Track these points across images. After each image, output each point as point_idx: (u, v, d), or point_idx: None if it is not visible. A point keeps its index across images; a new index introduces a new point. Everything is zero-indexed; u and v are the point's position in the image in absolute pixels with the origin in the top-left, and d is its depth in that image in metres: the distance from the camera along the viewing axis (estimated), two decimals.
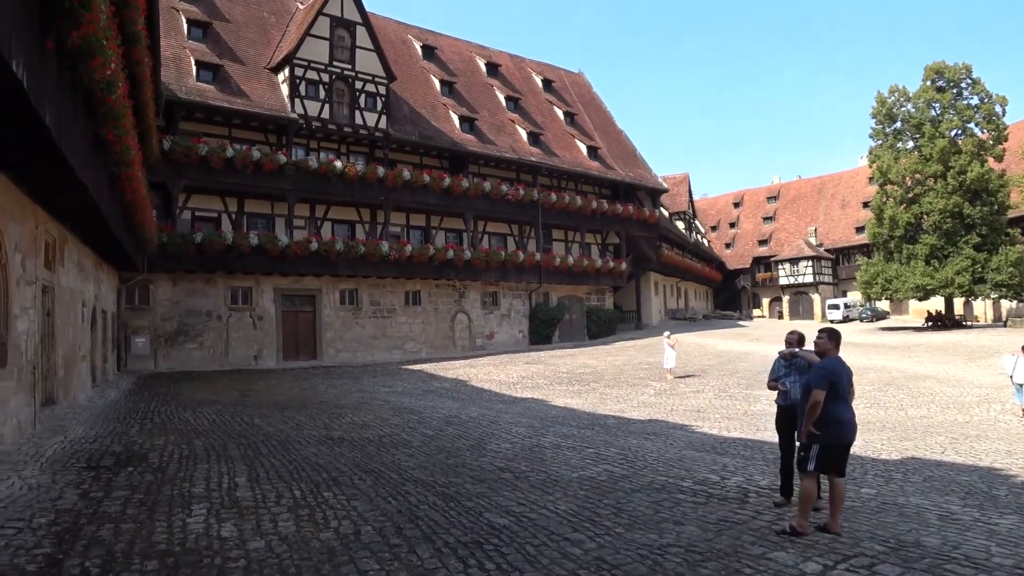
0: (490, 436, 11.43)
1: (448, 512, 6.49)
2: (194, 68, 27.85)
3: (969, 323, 49.77)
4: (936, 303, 50.25)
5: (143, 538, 5.57)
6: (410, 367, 27.27)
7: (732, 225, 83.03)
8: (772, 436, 12.26)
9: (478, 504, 6.82)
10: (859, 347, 33.65)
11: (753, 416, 14.94)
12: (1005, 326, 46.90)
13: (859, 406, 16.37)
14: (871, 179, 70.99)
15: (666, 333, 23.85)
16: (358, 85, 30.83)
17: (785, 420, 7.45)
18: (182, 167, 25.93)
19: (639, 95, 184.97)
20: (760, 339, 40.00)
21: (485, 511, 6.57)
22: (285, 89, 29.53)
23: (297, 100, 29.20)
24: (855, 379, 6.85)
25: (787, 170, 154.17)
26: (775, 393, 7.67)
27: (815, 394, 6.15)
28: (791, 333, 7.86)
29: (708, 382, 21.78)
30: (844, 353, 6.27)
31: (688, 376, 23.11)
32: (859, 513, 6.93)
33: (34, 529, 5.69)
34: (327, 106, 29.96)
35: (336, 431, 11.62)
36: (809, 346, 7.13)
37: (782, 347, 7.78)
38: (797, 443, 6.58)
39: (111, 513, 6.24)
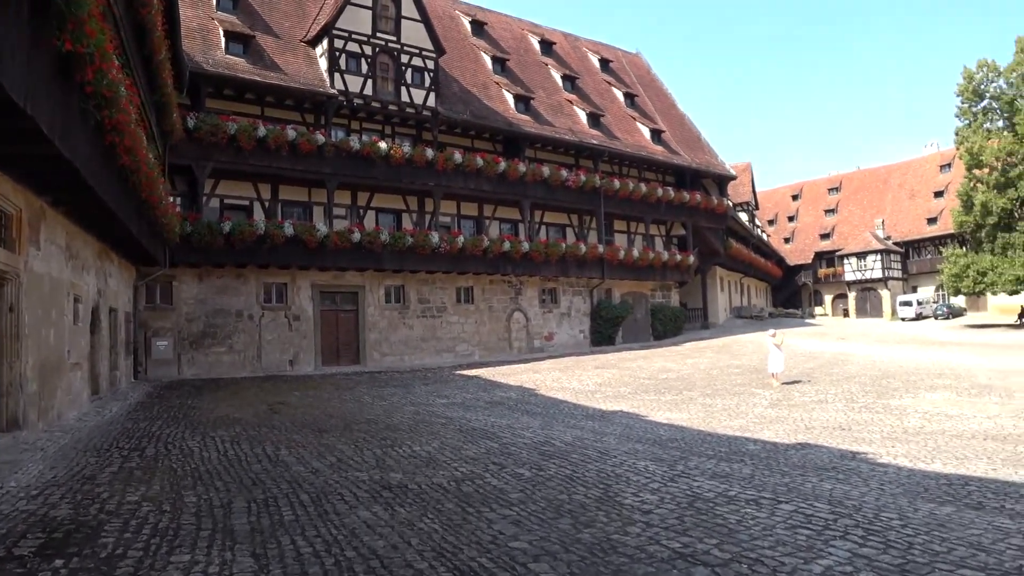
0: (612, 477, 8.10)
1: None
2: (223, 40, 24.97)
3: None
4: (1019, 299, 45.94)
5: None
6: (464, 372, 24.02)
7: (791, 219, 78.77)
8: (1004, 471, 8.93)
9: None
10: (963, 347, 29.68)
11: (926, 437, 11.42)
12: None
13: None
14: (943, 166, 67.42)
15: (771, 332, 20.33)
16: (404, 59, 27.69)
17: None
18: (209, 148, 23.02)
19: (690, 82, 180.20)
20: (846, 338, 36.09)
21: None
22: (323, 63, 26.51)
23: (337, 75, 26.13)
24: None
25: (846, 161, 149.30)
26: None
27: None
28: None
29: (824, 389, 18.20)
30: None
31: (795, 382, 19.55)
32: None
33: None
34: (370, 81, 26.84)
35: (393, 471, 8.34)
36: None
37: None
38: None
39: None
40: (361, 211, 27.56)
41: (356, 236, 24.91)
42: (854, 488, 7.70)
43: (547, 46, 39.41)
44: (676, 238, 40.13)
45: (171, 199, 22.43)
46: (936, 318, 57.07)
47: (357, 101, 26.59)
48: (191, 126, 22.36)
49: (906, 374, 20.89)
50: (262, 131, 23.63)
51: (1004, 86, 44.44)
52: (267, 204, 25.55)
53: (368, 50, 26.93)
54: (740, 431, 12.51)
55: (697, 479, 8.04)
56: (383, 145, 26.19)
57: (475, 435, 11.42)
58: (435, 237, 26.70)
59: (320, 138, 24.79)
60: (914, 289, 65.64)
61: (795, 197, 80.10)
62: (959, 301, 59.09)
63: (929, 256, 65.39)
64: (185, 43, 22.93)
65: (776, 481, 8.02)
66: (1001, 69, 44.51)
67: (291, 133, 24.14)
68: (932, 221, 65.32)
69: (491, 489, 7.46)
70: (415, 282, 28.03)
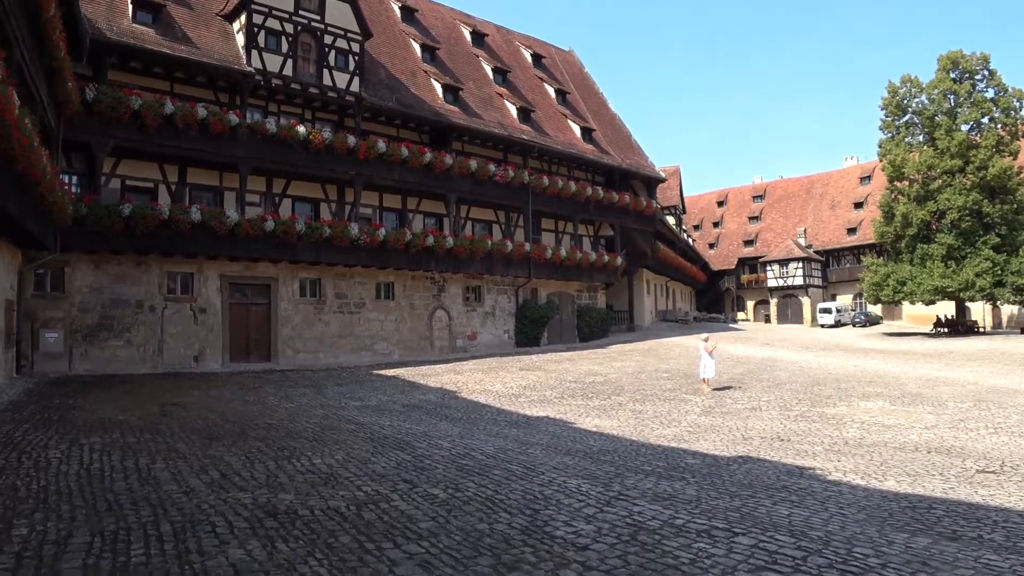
0: (541, 500, 7.08)
1: None
2: (130, 7, 23.13)
3: (983, 329, 46.43)
4: (938, 309, 46.99)
5: None
6: (383, 372, 22.75)
7: (716, 224, 79.59)
8: (963, 490, 8.29)
9: None
10: (885, 355, 29.78)
11: (869, 450, 10.78)
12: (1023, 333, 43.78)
13: (979, 432, 12.56)
14: (863, 179, 68.90)
15: (703, 336, 19.62)
16: (327, 40, 26.20)
17: None
18: (110, 124, 21.16)
19: (620, 84, 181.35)
20: (771, 344, 36.01)
21: None
22: (240, 39, 24.85)
23: (255, 52, 24.50)
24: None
25: (768, 170, 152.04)
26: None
27: None
28: None
29: (756, 396, 17.62)
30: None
31: (726, 388, 18.94)
32: None
33: None
34: (290, 62, 25.27)
35: (285, 491, 7.14)
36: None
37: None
38: None
39: None
40: (276, 199, 25.94)
41: (270, 225, 23.36)
42: (813, 514, 6.86)
43: (479, 38, 38.30)
44: (604, 239, 39.52)
45: (64, 177, 20.65)
46: (854, 325, 58.23)
47: (276, 82, 25.00)
48: (89, 98, 20.48)
49: (836, 381, 20.54)
50: (169, 108, 21.88)
51: (926, 102, 45.38)
52: (174, 188, 23.75)
53: (289, 28, 25.34)
54: (676, 441, 11.69)
55: (637, 502, 7.08)
56: (302, 129, 24.67)
57: (386, 445, 10.28)
58: (355, 229, 25.32)
59: (234, 119, 23.15)
60: (833, 297, 66.87)
61: (720, 203, 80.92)
62: (876, 309, 60.36)
63: (848, 265, 66.79)
64: (87, 8, 21.15)
65: (726, 505, 7.12)
66: (923, 85, 45.44)
67: (201, 112, 22.45)
68: (852, 231, 66.68)
69: (398, 516, 6.34)
70: (332, 276, 26.56)
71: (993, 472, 9.39)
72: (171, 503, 6.46)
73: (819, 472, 9.20)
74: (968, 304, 44.44)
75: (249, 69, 24.14)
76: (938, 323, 46.24)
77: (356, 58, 26.84)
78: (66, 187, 19.07)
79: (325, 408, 14.60)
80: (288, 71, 25.20)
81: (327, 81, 26.07)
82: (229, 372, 22.11)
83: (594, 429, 13.03)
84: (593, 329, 36.78)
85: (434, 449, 10.07)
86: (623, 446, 11.19)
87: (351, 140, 25.72)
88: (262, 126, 23.77)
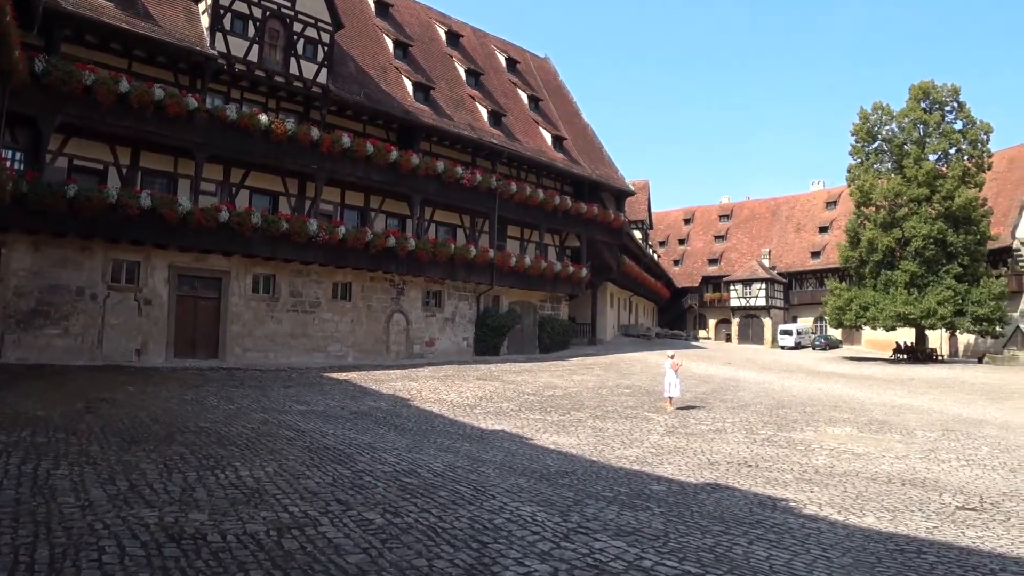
0: (490, 529, 6.35)
1: None
2: None
3: (941, 357, 46.68)
4: (898, 335, 47.18)
5: None
6: (335, 375, 21.83)
7: (682, 242, 79.55)
8: (948, 530, 7.72)
9: None
10: (847, 379, 29.56)
11: (842, 480, 10.24)
12: (981, 362, 44.06)
13: (951, 464, 12.09)
14: (829, 203, 69.35)
15: (670, 354, 19.07)
16: (296, 28, 25.27)
17: None
18: (60, 99, 19.99)
19: (588, 92, 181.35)
20: (732, 363, 35.71)
21: None
22: (205, 21, 23.83)
23: (219, 35, 23.48)
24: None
25: (736, 190, 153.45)
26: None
27: None
28: None
29: (720, 416, 17.07)
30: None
31: (689, 408, 18.38)
32: None
33: None
34: (256, 47, 24.28)
35: (199, 509, 6.31)
36: None
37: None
38: None
39: None
40: (234, 189, 24.88)
41: (224, 215, 22.35)
42: (795, 556, 6.22)
43: (454, 38, 37.56)
44: (570, 249, 38.91)
45: (6, 153, 19.54)
46: (814, 348, 58.42)
47: (240, 67, 24.01)
48: (39, 70, 19.34)
49: (801, 404, 20.10)
50: (125, 86, 20.78)
51: (896, 130, 45.64)
52: (125, 171, 22.61)
53: (257, 13, 24.37)
54: (638, 464, 11.04)
55: (599, 537, 6.38)
56: (264, 118, 23.69)
57: (325, 457, 9.46)
58: (313, 225, 24.38)
59: (192, 102, 22.11)
60: (794, 319, 67.09)
61: (687, 221, 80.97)
62: (836, 333, 60.62)
63: (811, 288, 67.09)
64: None
65: (697, 543, 6.45)
66: (894, 113, 45.69)
67: (159, 92, 21.38)
68: (816, 255, 66.98)
69: (324, 545, 5.55)
70: (288, 272, 25.57)
71: (974, 510, 8.90)
72: (60, 520, 5.60)
73: (793, 505, 8.59)
74: (927, 332, 44.65)
75: (212, 52, 23.13)
76: (897, 349, 46.38)
77: (325, 48, 25.95)
78: (7, 162, 17.98)
79: (267, 412, 13.72)
80: (253, 57, 24.23)
81: (294, 70, 25.14)
82: (172, 368, 21.04)
83: (552, 447, 12.34)
84: (554, 340, 36.13)
85: (377, 464, 9.29)
86: (582, 467, 10.51)
87: (315, 133, 24.80)
88: (222, 112, 22.77)
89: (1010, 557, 6.86)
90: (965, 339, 51.36)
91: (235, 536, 5.57)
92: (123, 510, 6.03)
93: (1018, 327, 43.53)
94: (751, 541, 6.65)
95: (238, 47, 23.85)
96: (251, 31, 24.19)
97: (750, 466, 11.26)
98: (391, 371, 23.76)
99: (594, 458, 11.38)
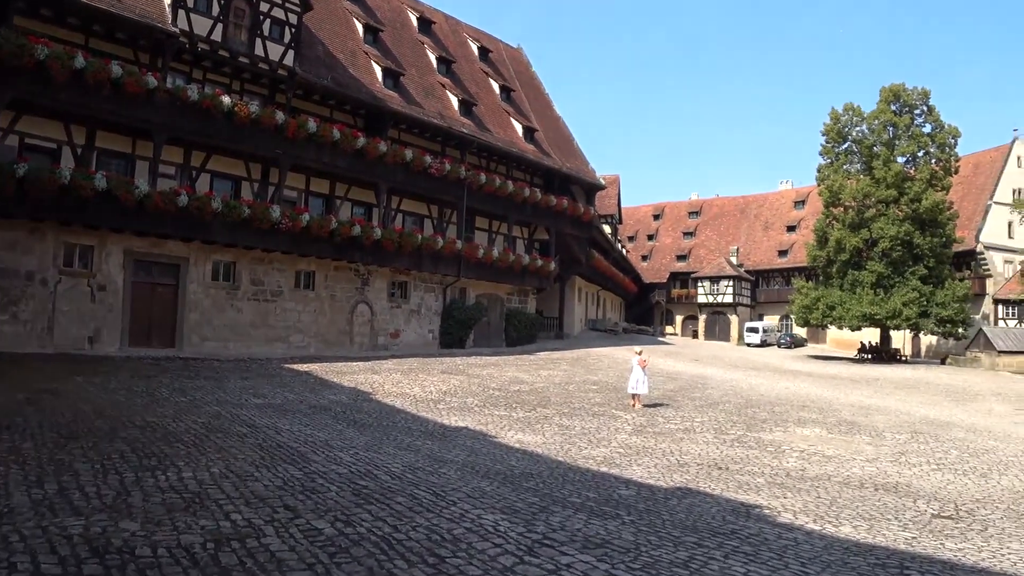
0: (449, 541, 5.91)
1: None
2: None
3: (904, 358, 47.10)
4: (863, 335, 47.50)
5: None
6: (295, 367, 21.23)
7: (651, 237, 79.64)
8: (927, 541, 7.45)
9: None
10: (813, 378, 29.58)
11: (815, 484, 9.96)
12: (944, 363, 44.53)
13: (922, 468, 11.89)
14: (797, 203, 69.74)
15: (637, 350, 18.71)
16: (263, 8, 24.50)
17: None
18: (10, 74, 19.06)
19: (559, 84, 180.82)
20: (699, 360, 35.60)
21: None
22: None
23: (182, 12, 22.61)
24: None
25: (706, 187, 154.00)
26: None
27: None
28: None
29: (689, 416, 16.78)
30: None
31: (657, 405, 18.08)
32: None
33: None
34: (220, 26, 23.48)
35: (131, 516, 5.79)
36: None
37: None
38: None
39: None
40: (194, 172, 24.06)
41: (183, 199, 21.60)
42: (773, 571, 5.87)
43: (426, 24, 36.90)
44: (539, 242, 38.50)
45: None
46: (779, 346, 58.78)
47: (203, 46, 23.22)
48: None
49: (770, 404, 19.90)
50: (80, 62, 19.90)
51: (866, 131, 45.89)
52: (80, 151, 21.74)
53: None
54: (606, 465, 10.67)
55: (566, 550, 5.96)
56: (227, 100, 22.93)
57: (277, 456, 8.95)
58: (276, 211, 23.70)
59: (152, 81, 21.29)
60: (761, 317, 67.45)
61: (657, 216, 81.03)
62: (801, 332, 61.00)
63: (777, 287, 67.49)
64: None
65: (670, 557, 6.06)
66: (865, 115, 45.90)
67: (116, 70, 20.52)
68: (783, 253, 67.38)
69: (265, 560, 5.07)
70: (249, 260, 24.85)
71: (950, 518, 8.67)
72: None
73: (767, 512, 8.27)
74: (891, 332, 45.02)
75: (174, 29, 22.31)
76: (862, 349, 46.67)
77: (293, 30, 25.23)
78: None
79: (221, 405, 13.15)
80: (217, 36, 23.44)
81: (259, 51, 24.39)
82: (125, 357, 20.29)
83: (517, 445, 11.94)
84: (521, 334, 35.76)
85: (332, 464, 8.80)
86: (548, 468, 10.11)
87: (280, 116, 24.10)
88: (183, 92, 21.99)
89: (994, 572, 6.57)
90: (928, 340, 51.98)
91: (167, 550, 5.06)
92: (46, 518, 5.50)
93: (980, 330, 43.97)
94: (727, 555, 6.29)
95: (201, 25, 23.04)
96: (215, 9, 23.39)
97: (720, 468, 10.95)
98: (354, 363, 23.20)
99: (560, 458, 11.00)
